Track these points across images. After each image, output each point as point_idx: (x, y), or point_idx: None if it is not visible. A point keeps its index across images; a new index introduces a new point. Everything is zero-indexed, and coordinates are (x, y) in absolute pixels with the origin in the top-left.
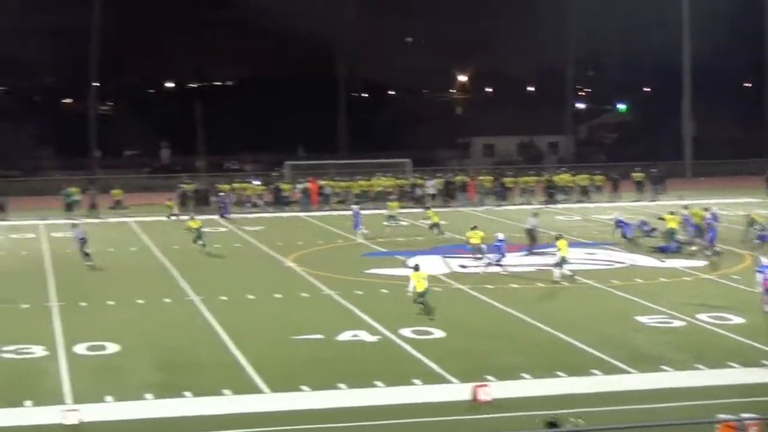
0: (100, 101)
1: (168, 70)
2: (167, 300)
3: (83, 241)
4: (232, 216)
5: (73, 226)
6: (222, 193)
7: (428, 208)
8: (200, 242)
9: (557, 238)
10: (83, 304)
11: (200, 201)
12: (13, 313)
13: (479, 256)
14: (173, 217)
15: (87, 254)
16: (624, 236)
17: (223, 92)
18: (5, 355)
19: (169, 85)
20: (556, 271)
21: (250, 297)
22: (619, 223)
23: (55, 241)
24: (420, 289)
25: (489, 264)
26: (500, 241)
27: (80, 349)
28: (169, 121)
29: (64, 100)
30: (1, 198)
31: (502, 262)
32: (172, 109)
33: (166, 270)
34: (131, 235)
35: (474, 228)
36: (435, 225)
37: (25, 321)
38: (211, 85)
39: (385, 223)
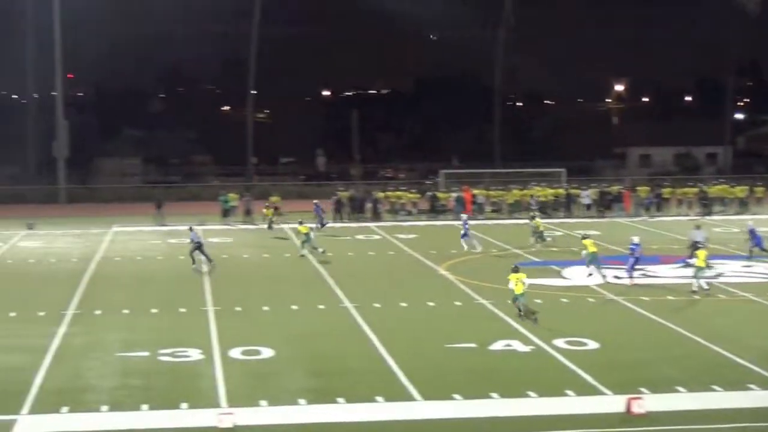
0: (257, 109)
1: (325, 78)
2: (321, 306)
3: (198, 245)
4: (385, 224)
5: (190, 229)
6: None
7: (533, 218)
8: (308, 247)
9: (695, 249)
10: (238, 308)
11: (355, 208)
12: (171, 317)
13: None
14: (274, 226)
15: (207, 257)
16: (757, 247)
17: (378, 100)
18: (163, 358)
19: (326, 93)
20: (695, 282)
21: (403, 305)
22: (752, 233)
23: (212, 247)
24: (518, 292)
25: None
26: (635, 245)
27: (235, 353)
28: (325, 128)
29: (222, 108)
30: (160, 196)
31: (635, 267)
32: (328, 117)
33: (321, 277)
34: (286, 241)
35: (585, 237)
36: (538, 233)
37: (182, 325)
38: (366, 94)
39: (531, 239)
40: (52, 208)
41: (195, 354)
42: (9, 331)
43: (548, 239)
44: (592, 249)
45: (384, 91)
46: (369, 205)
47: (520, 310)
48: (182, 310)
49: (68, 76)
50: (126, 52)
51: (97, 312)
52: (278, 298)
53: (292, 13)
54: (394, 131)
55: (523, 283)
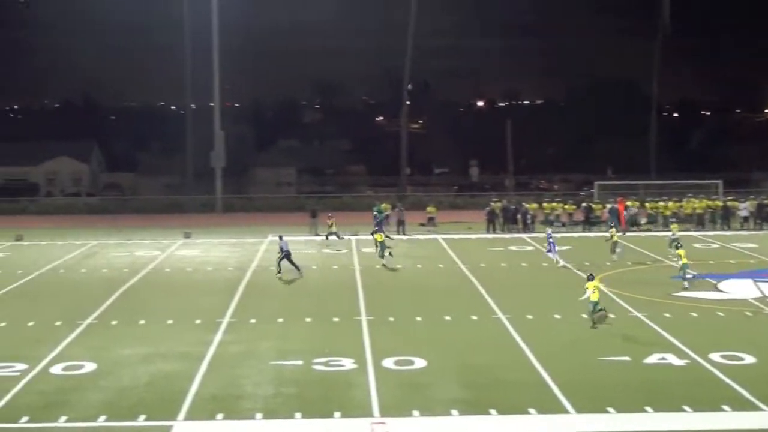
0: (411, 119)
1: (478, 89)
2: (474, 317)
3: (287, 253)
4: (538, 235)
5: (280, 238)
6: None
7: (611, 227)
8: (387, 252)
9: None
10: (391, 318)
11: (508, 219)
12: (325, 326)
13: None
14: (332, 236)
15: (296, 266)
16: None
17: (532, 111)
18: (317, 367)
19: (480, 103)
20: None
21: (557, 316)
22: None
23: (365, 257)
24: (594, 299)
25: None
26: None
27: (388, 363)
28: (479, 139)
29: (376, 118)
30: (314, 206)
31: None
32: (482, 127)
33: (474, 287)
34: (440, 251)
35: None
36: (614, 243)
37: (336, 334)
38: (520, 105)
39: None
40: (209, 218)
41: (348, 363)
42: (166, 338)
43: (618, 251)
44: (684, 260)
45: (538, 101)
46: (520, 216)
47: (595, 317)
48: (336, 319)
49: (225, 87)
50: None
51: (252, 320)
52: (431, 309)
53: (446, 24)
54: (549, 141)
55: (599, 290)
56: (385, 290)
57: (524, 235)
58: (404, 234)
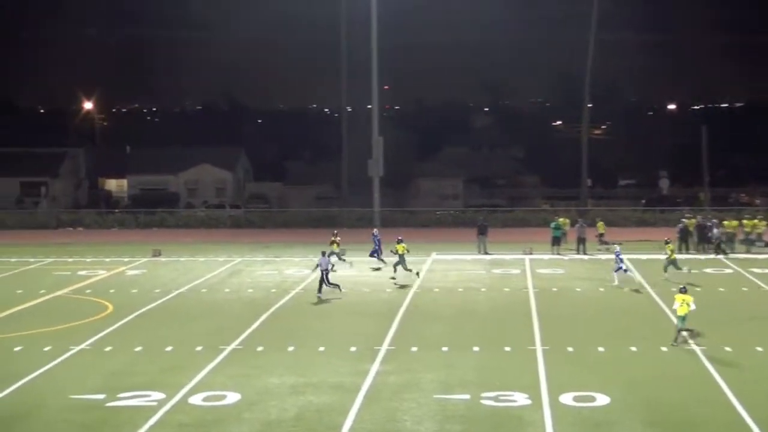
0: (593, 124)
1: (670, 90)
2: (663, 348)
3: (325, 272)
4: (736, 255)
5: (322, 253)
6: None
7: (667, 242)
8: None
9: None
10: (570, 349)
11: (702, 238)
12: (495, 356)
13: None
14: (343, 259)
15: (329, 284)
16: None
17: (731, 115)
18: (486, 402)
19: (671, 107)
20: None
21: (759, 349)
22: None
23: (541, 278)
24: (681, 313)
25: None
26: None
27: (566, 398)
28: (670, 147)
29: (553, 123)
30: (482, 221)
31: None
32: (674, 134)
33: (663, 314)
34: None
35: None
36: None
37: (507, 365)
38: (718, 108)
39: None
40: (365, 233)
41: (521, 398)
42: (318, 367)
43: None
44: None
45: (738, 104)
46: (716, 235)
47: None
48: (507, 348)
49: (384, 87)
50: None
51: (413, 348)
52: (615, 338)
53: (634, 16)
54: (751, 150)
55: (688, 306)
56: (563, 316)
57: (722, 256)
58: (584, 253)
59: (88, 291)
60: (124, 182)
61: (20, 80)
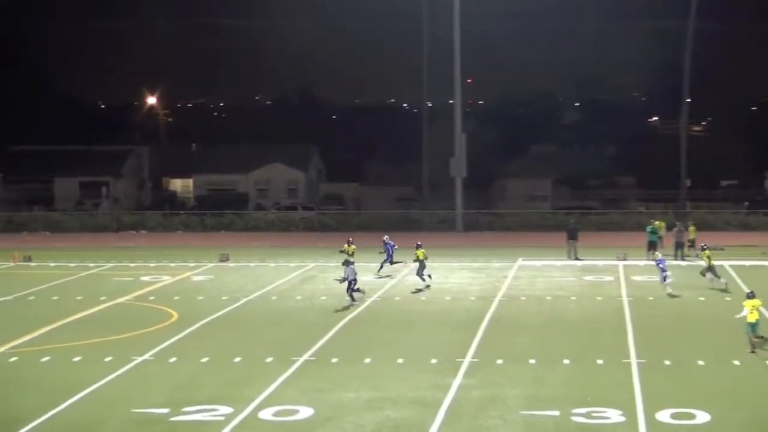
0: (692, 121)
1: None
2: None
3: (349, 281)
4: None
5: (346, 264)
6: None
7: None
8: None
9: None
10: (667, 362)
11: None
12: (587, 369)
13: None
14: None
15: (352, 293)
16: None
17: None
18: (576, 419)
19: None
20: None
21: None
22: None
23: (636, 286)
24: (751, 320)
25: None
26: None
27: (663, 416)
28: None
29: (649, 119)
30: (573, 225)
31: None
32: None
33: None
34: (727, 281)
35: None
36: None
37: (600, 380)
38: None
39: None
40: (448, 237)
41: (615, 416)
42: (396, 380)
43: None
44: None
45: None
46: None
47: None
48: (599, 361)
49: (467, 81)
50: (535, 53)
51: (499, 361)
52: (716, 350)
53: (734, 6)
54: None
55: (758, 311)
56: (661, 327)
57: None
58: (682, 259)
59: (151, 298)
60: (190, 182)
61: (80, 75)
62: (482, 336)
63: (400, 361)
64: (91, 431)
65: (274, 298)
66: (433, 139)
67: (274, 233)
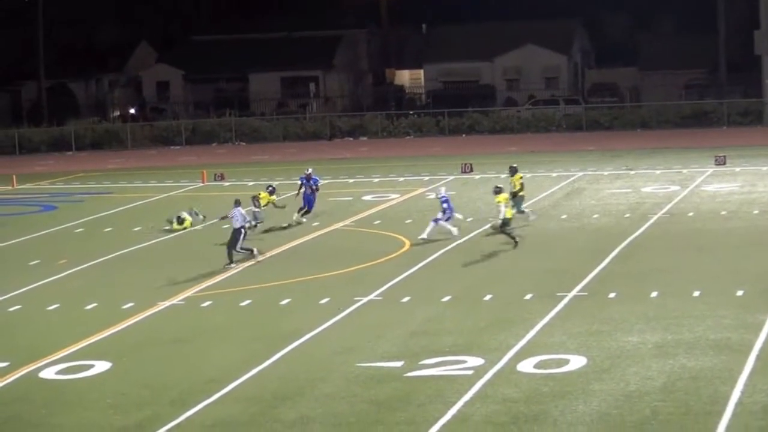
0: None
1: None
2: None
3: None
4: None
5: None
6: None
7: None
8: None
9: None
10: None
11: None
12: None
13: None
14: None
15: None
16: None
17: None
18: None
19: None
20: None
21: None
22: None
23: None
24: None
25: None
26: None
27: None
28: None
29: None
30: None
31: None
32: None
33: None
34: None
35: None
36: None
37: None
38: None
39: None
40: (753, 133)
41: None
42: (693, 318)
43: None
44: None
45: None
46: None
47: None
48: None
49: None
50: None
51: None
52: None
53: None
54: None
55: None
56: None
57: None
58: None
59: (376, 222)
60: (420, 74)
61: None
62: None
63: (696, 294)
64: (307, 390)
65: (532, 218)
66: (732, 6)
67: (530, 135)
